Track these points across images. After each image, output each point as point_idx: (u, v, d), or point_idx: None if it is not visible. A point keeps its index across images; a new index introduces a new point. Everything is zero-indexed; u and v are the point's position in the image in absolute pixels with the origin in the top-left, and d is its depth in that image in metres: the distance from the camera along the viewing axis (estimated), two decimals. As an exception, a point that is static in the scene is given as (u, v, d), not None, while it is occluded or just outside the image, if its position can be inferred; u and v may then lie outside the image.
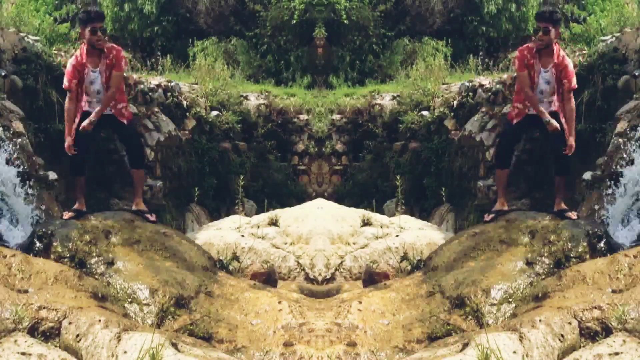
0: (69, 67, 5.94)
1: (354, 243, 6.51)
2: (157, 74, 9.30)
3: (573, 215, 5.86)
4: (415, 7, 12.12)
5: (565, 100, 5.92)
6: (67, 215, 5.88)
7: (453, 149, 7.99)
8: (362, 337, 4.50)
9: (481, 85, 7.98)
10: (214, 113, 8.67)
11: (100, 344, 3.86)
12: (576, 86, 5.96)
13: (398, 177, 7.71)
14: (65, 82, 5.94)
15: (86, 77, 5.92)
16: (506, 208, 6.20)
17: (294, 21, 11.07)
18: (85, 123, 5.88)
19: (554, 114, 5.94)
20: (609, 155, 6.07)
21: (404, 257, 6.06)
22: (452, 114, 8.27)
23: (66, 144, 5.90)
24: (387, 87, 10.31)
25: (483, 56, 10.73)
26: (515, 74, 6.42)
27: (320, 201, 7.56)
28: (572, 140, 5.87)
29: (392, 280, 5.70)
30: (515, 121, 6.11)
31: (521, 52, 6.04)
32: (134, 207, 6.24)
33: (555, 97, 5.97)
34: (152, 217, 6.16)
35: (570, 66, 5.94)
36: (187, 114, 8.32)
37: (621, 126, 6.08)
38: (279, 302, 4.93)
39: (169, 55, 10.90)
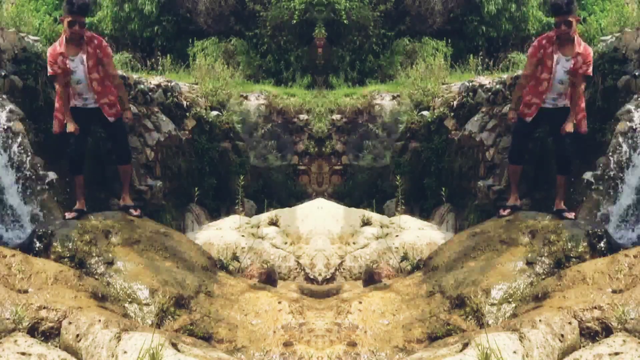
0: (49, 56, 5.88)
1: (354, 243, 6.51)
2: (157, 74, 9.28)
3: (570, 215, 5.86)
4: (415, 7, 12.11)
5: (578, 83, 5.84)
6: (69, 215, 5.88)
7: (453, 149, 7.99)
8: (362, 337, 4.49)
9: (481, 85, 7.97)
10: (214, 113, 8.67)
11: (100, 344, 3.86)
12: (592, 74, 5.92)
13: (398, 177, 7.70)
14: (49, 69, 5.88)
15: (67, 66, 5.81)
16: (519, 204, 6.21)
17: (294, 21, 11.07)
18: (128, 116, 6.08)
19: (565, 110, 5.88)
20: (609, 155, 6.07)
21: (404, 257, 6.06)
22: (452, 114, 8.26)
23: (71, 127, 5.81)
24: (387, 87, 10.30)
25: (483, 56, 10.71)
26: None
27: (320, 201, 7.56)
28: (579, 118, 5.82)
29: (392, 280, 5.70)
30: (529, 118, 6.01)
31: (539, 42, 5.89)
32: (121, 203, 6.24)
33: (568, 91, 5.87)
34: (136, 212, 6.13)
35: (591, 53, 5.91)
36: (187, 114, 8.31)
37: (621, 126, 6.08)
38: (279, 302, 4.93)
39: (169, 55, 10.89)
